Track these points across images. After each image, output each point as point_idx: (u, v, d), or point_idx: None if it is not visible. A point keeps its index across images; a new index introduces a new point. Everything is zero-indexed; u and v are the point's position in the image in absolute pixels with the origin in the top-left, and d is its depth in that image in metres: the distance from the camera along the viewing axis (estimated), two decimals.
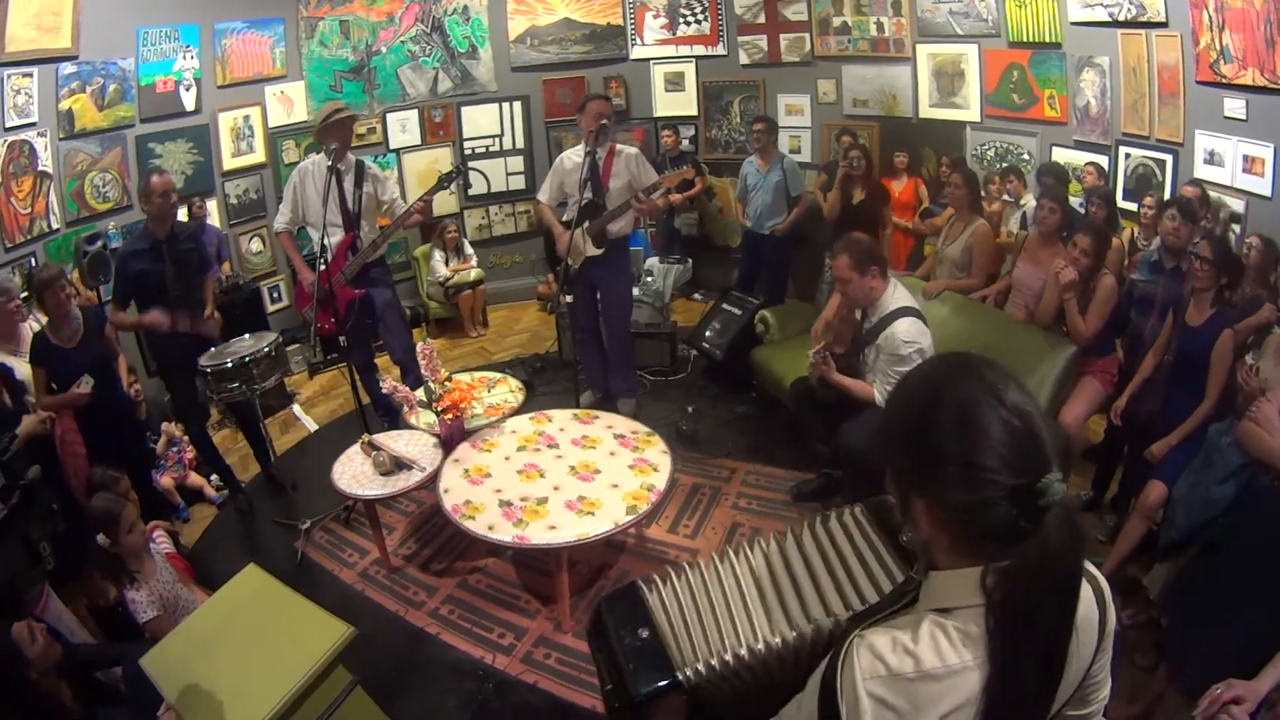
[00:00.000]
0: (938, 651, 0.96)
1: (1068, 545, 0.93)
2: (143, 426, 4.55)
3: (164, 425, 4.82)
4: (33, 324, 4.15)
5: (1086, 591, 1.02)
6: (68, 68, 5.00)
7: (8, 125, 4.72)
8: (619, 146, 4.76)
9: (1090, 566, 1.05)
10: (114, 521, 3.02)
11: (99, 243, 5.14)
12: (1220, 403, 3.17)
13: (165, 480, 4.54)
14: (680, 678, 1.48)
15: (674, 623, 1.58)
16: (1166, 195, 4.58)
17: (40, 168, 4.88)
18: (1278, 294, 3.43)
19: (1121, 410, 3.69)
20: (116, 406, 4.08)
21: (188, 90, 5.80)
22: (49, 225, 4.97)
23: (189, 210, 5.53)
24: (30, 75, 4.79)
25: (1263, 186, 4.19)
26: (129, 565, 3.08)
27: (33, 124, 4.85)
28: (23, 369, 3.78)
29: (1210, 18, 4.29)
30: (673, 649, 1.54)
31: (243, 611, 2.58)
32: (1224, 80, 4.31)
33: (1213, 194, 4.33)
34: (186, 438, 4.80)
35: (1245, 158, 4.27)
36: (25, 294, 4.35)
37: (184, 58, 5.73)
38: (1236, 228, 4.28)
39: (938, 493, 0.99)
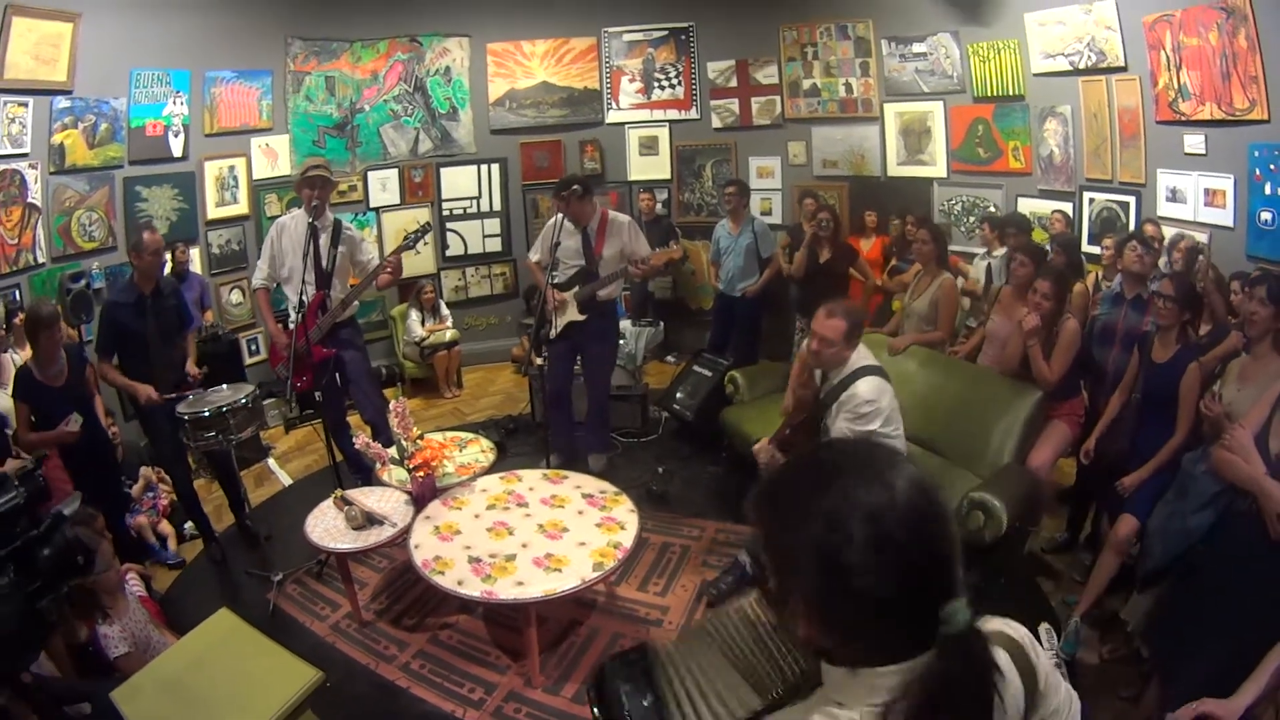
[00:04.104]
0: None
1: (971, 673, 0.90)
2: (119, 469, 4.50)
3: (143, 470, 4.76)
4: (13, 356, 4.14)
5: (1003, 658, 0.98)
6: (61, 101, 5.03)
7: (1, 153, 4.75)
8: (612, 214, 4.82)
9: (1003, 625, 1.05)
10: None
11: (83, 281, 5.14)
12: (1190, 434, 3.22)
13: (140, 520, 4.48)
14: None
15: (678, 694, 1.47)
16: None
17: (30, 199, 4.90)
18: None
19: (1090, 450, 3.73)
20: (96, 446, 4.06)
21: (176, 136, 5.85)
22: (35, 258, 4.97)
23: (172, 256, 5.53)
24: (25, 105, 4.83)
25: (1224, 218, 4.30)
26: (103, 601, 3.06)
27: (25, 154, 4.87)
28: (3, 400, 3.77)
29: (1168, 57, 4.46)
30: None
31: (213, 653, 2.59)
32: (1183, 117, 4.45)
33: (1170, 230, 4.44)
34: (164, 484, 4.76)
35: (1206, 191, 4.38)
36: (5, 327, 4.35)
37: (174, 103, 5.80)
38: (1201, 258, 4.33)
39: (823, 603, 0.93)
